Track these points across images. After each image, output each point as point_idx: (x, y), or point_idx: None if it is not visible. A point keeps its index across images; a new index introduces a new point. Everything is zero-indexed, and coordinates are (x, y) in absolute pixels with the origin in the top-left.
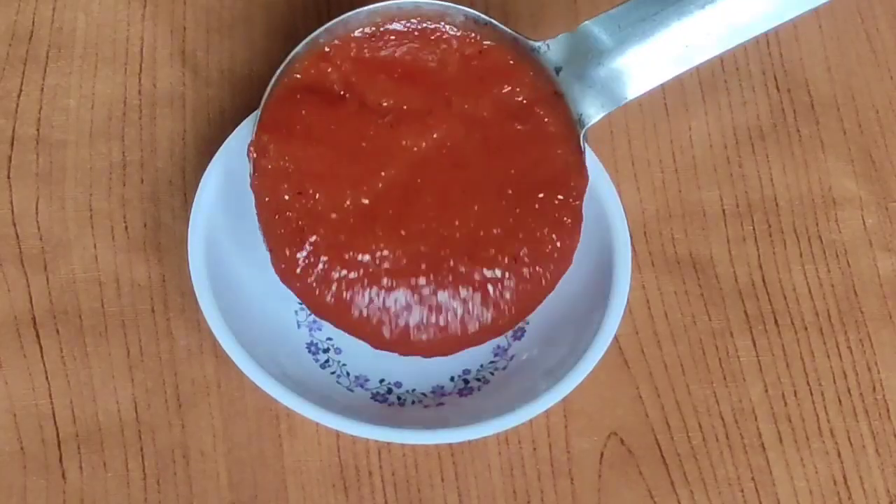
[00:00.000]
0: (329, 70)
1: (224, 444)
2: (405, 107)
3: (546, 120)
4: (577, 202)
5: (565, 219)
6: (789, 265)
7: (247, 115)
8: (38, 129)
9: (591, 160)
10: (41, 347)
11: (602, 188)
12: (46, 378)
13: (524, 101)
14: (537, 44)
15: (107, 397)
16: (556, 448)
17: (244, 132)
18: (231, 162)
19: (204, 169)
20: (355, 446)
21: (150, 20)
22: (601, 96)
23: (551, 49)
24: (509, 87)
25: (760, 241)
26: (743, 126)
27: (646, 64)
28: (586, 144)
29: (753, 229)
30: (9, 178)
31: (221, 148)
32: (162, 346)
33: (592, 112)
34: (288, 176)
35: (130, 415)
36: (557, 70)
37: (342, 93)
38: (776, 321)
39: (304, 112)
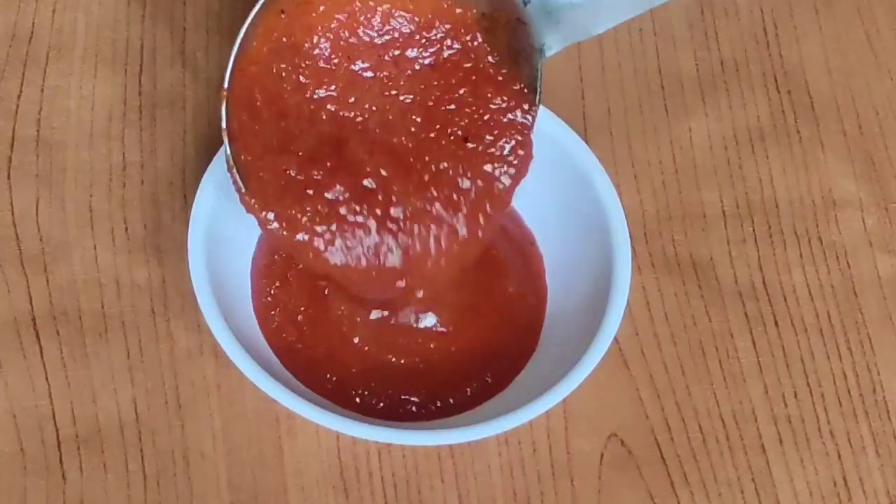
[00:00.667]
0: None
1: (224, 446)
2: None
3: (489, 95)
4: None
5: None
6: (789, 266)
7: None
8: (38, 131)
9: (591, 161)
10: (41, 348)
11: (602, 189)
12: (46, 379)
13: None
14: None
15: (107, 398)
16: (557, 449)
17: None
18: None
19: (204, 170)
20: (355, 447)
21: (150, 21)
22: (566, 29)
23: None
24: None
25: (760, 243)
26: (743, 127)
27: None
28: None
29: (753, 230)
30: (9, 179)
31: (221, 149)
32: (162, 348)
33: (555, 44)
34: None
35: (130, 416)
36: (525, 2)
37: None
38: (776, 322)
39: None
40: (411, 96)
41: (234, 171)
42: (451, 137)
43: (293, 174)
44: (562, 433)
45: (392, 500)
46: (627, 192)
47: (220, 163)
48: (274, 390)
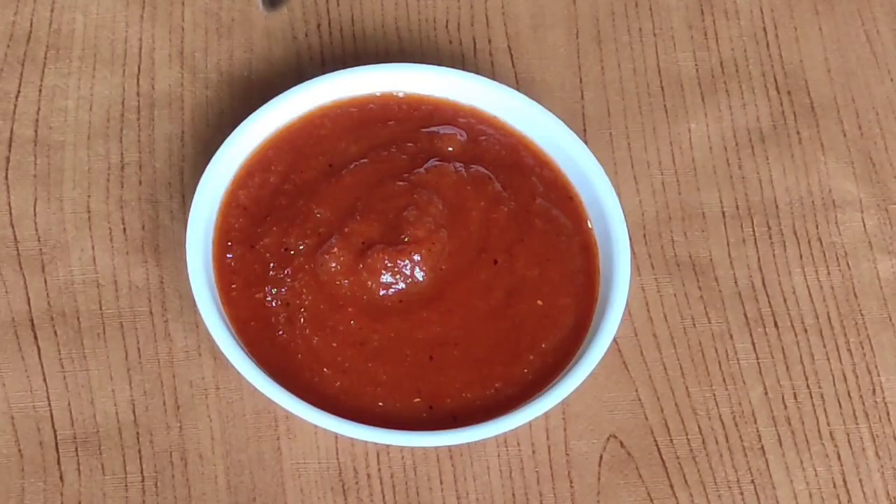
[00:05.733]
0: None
1: (222, 447)
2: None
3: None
4: None
5: None
6: (789, 267)
7: (245, 117)
8: (36, 131)
9: (591, 161)
10: (39, 349)
11: (602, 190)
12: (44, 380)
13: None
14: None
15: (105, 399)
16: (556, 450)
17: (242, 134)
18: (229, 164)
19: (202, 170)
20: (354, 449)
21: (149, 21)
22: None
23: None
24: None
25: (760, 244)
26: (743, 128)
27: None
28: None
29: (753, 231)
30: (7, 179)
31: (220, 149)
32: (160, 349)
33: None
34: None
35: (128, 417)
36: None
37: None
38: (776, 324)
39: None
40: None
41: None
42: None
43: None
44: (561, 434)
45: (391, 502)
46: (627, 193)
47: (218, 163)
48: (272, 392)
